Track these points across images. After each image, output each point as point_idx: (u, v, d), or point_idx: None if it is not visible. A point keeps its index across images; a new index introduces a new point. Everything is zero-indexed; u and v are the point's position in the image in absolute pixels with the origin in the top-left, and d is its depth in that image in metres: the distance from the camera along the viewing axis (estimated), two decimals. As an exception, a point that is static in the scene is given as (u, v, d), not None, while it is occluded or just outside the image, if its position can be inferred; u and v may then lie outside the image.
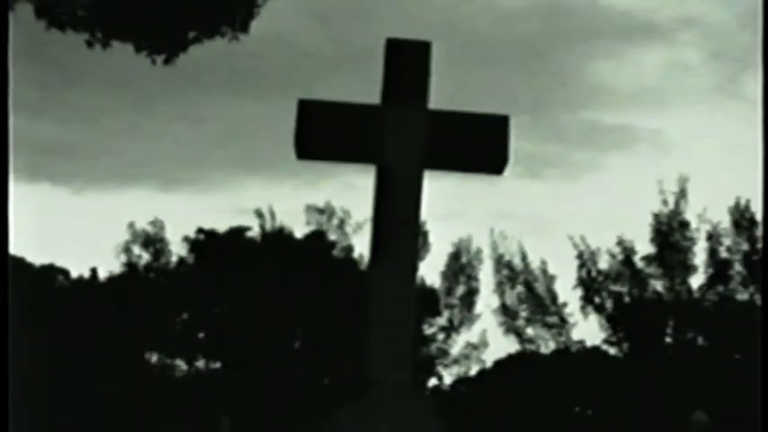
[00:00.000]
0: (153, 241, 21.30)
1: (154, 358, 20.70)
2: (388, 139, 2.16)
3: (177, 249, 21.18)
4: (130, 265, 21.07)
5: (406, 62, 2.15)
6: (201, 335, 20.27)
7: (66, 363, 17.36)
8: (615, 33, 34.85)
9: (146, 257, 21.22)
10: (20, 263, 19.29)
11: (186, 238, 20.94)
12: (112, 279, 20.78)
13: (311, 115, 2.14)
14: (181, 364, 20.90)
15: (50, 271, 20.93)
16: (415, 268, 2.24)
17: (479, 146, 2.09)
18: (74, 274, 21.15)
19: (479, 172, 2.14)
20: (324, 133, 2.15)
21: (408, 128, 2.17)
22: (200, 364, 20.78)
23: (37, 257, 21.00)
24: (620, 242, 18.03)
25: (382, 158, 2.17)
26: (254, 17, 5.12)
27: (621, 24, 32.11)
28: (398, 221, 2.20)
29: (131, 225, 21.31)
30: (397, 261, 2.18)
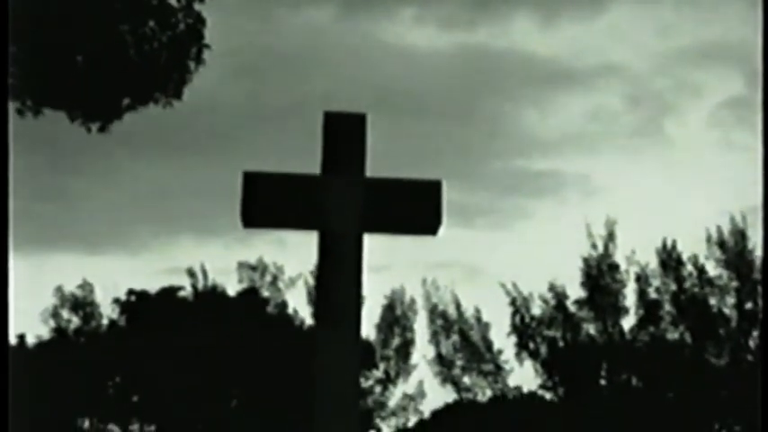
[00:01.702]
0: (82, 305, 21.03)
1: (86, 424, 20.35)
2: (328, 206, 2.24)
3: (107, 312, 20.92)
4: (59, 330, 20.76)
5: (343, 134, 2.25)
6: (135, 398, 19.99)
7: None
8: (539, 81, 35.58)
9: (75, 321, 20.93)
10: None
11: (117, 300, 20.71)
12: (41, 344, 20.42)
13: (256, 187, 2.22)
14: (115, 429, 20.56)
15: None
16: (359, 328, 2.31)
17: (414, 209, 2.18)
18: (-2, 340, 20.68)
19: (415, 234, 2.23)
20: (268, 204, 2.23)
21: (347, 195, 2.25)
22: (135, 427, 20.48)
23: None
24: (552, 287, 18.27)
25: (324, 225, 2.25)
26: (187, 83, 5.18)
27: (545, 72, 32.76)
28: (341, 284, 2.28)
29: (59, 289, 21.02)
30: (341, 322, 2.26)
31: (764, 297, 2.45)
